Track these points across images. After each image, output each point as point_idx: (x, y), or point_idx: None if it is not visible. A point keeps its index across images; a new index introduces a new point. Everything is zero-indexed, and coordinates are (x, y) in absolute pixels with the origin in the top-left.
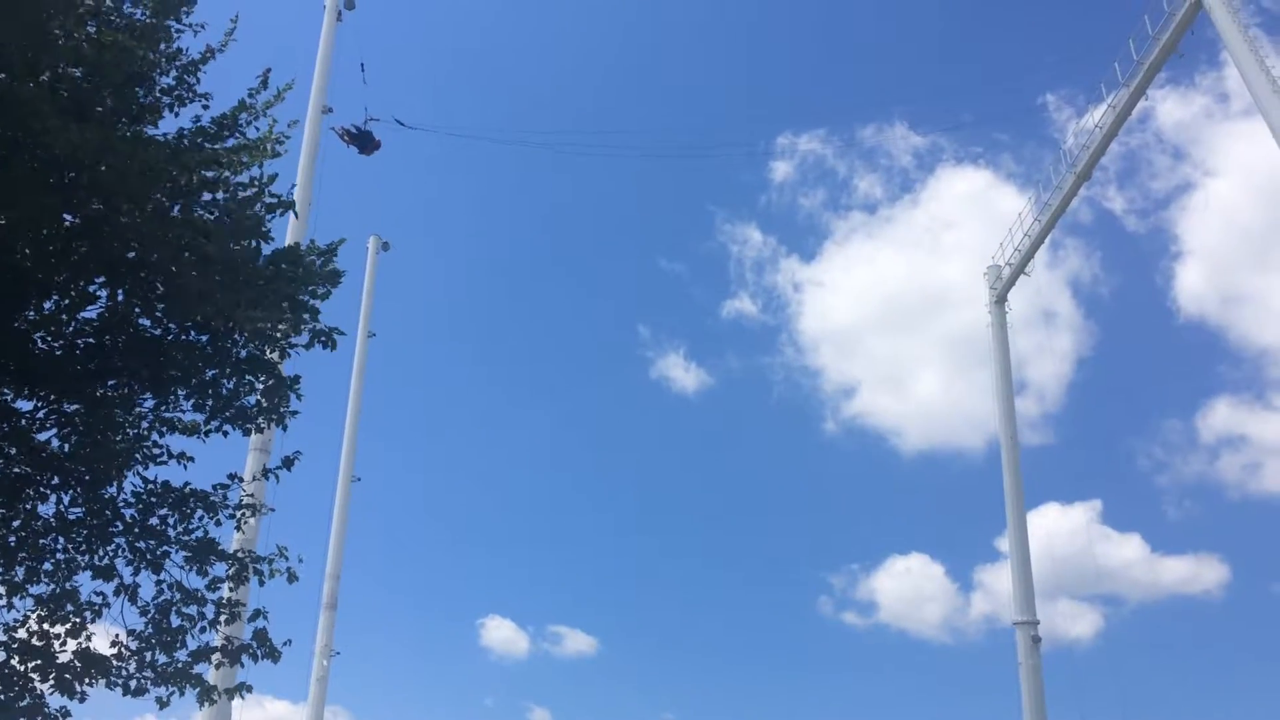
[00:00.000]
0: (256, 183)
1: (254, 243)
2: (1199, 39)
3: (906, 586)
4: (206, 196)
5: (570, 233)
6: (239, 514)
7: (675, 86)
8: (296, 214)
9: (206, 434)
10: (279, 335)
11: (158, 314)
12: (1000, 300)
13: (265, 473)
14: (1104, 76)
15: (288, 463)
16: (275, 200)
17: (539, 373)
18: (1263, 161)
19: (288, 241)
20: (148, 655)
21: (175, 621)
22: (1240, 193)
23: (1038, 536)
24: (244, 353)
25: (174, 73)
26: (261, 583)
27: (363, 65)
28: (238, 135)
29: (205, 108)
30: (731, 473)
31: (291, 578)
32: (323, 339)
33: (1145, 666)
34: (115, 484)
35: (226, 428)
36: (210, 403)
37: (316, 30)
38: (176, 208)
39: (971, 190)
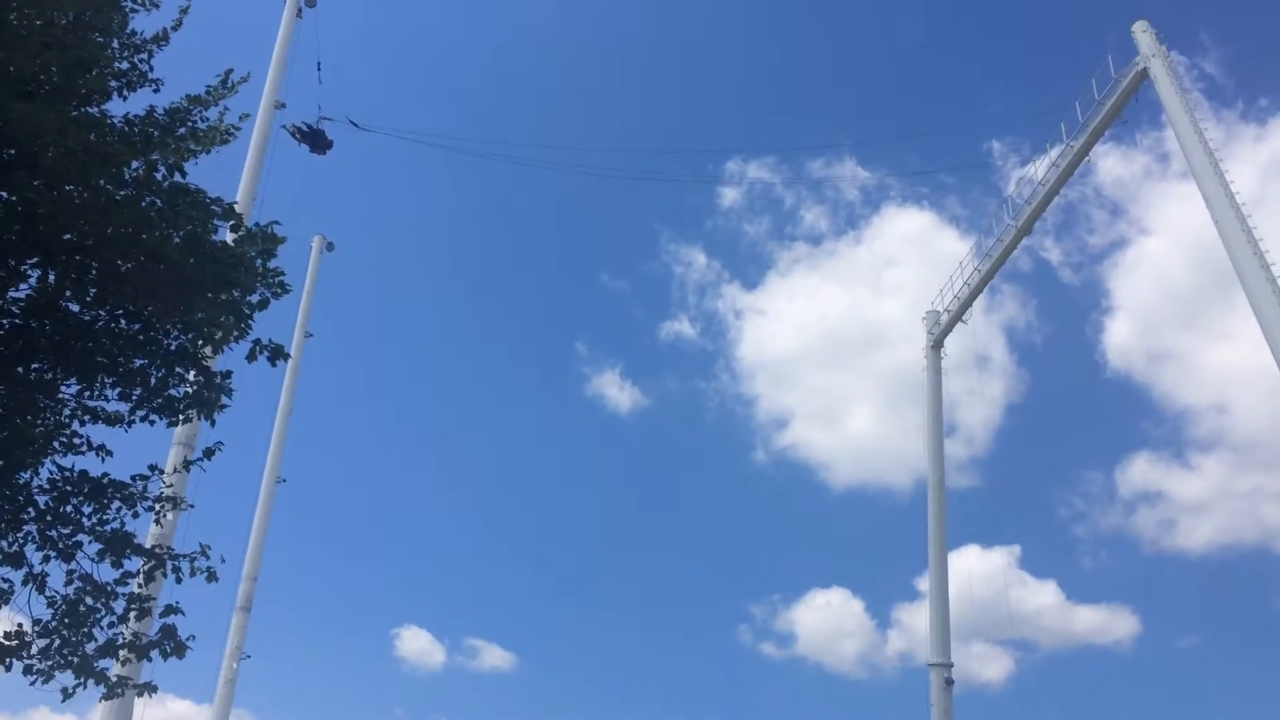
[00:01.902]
0: (218, 203)
1: (200, 247)
2: (1143, 99)
3: (825, 620)
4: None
5: (515, 243)
6: (158, 506)
7: (629, 104)
8: (276, 244)
9: (130, 424)
10: (216, 335)
11: (89, 299)
12: (936, 346)
13: (186, 464)
14: (1050, 134)
15: (209, 453)
16: (257, 232)
17: (473, 382)
18: (1196, 224)
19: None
20: (54, 643)
21: (85, 615)
22: (1172, 253)
23: (957, 578)
24: (175, 344)
25: (126, 54)
26: (179, 580)
27: (319, 64)
28: (188, 126)
29: (156, 91)
30: (660, 495)
31: (211, 577)
32: (267, 352)
33: (1052, 713)
34: (30, 470)
35: (153, 417)
36: (137, 392)
37: (276, 24)
38: (121, 195)
39: (915, 230)
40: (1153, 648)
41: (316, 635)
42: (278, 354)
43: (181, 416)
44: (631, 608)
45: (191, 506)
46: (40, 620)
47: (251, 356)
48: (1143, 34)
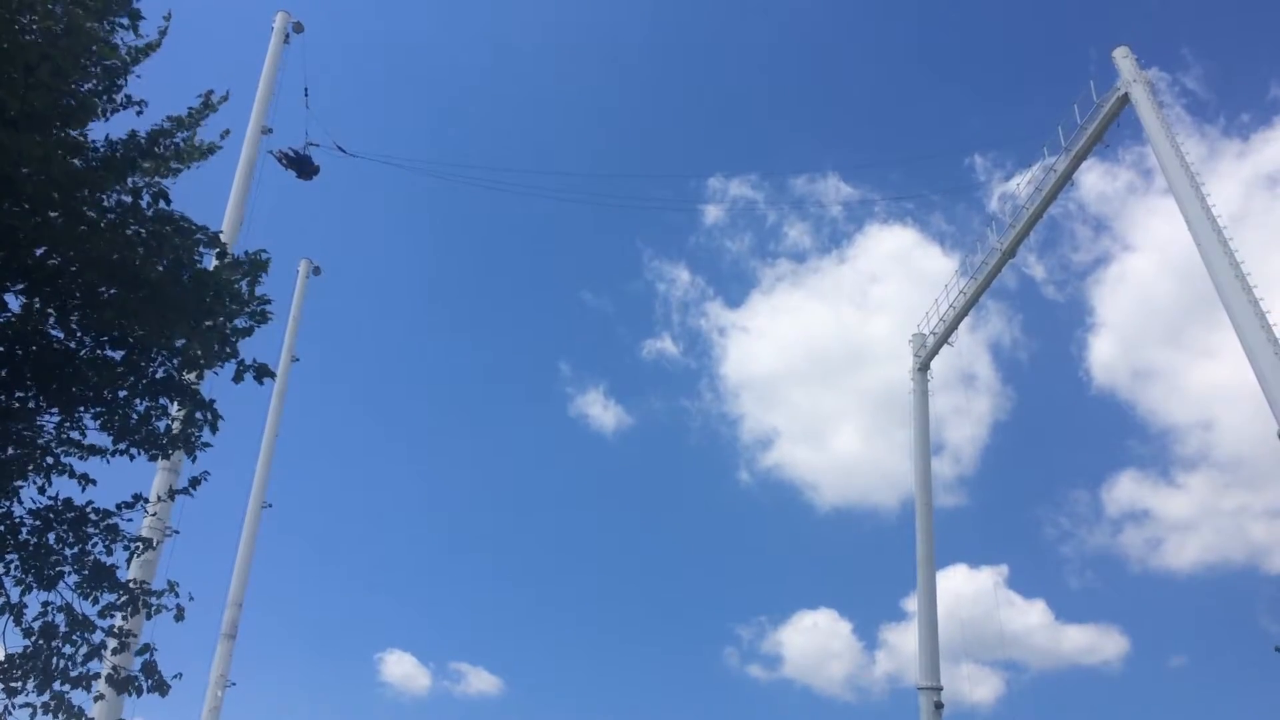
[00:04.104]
0: (203, 231)
1: (185, 274)
2: (1125, 118)
3: (813, 642)
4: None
5: (499, 264)
6: (134, 546)
7: (611, 122)
8: (265, 272)
9: (112, 455)
10: (201, 360)
11: (72, 325)
12: (923, 368)
13: (171, 494)
14: (1032, 151)
15: (194, 483)
16: (244, 259)
17: (458, 404)
18: (1179, 240)
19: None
20: (18, 673)
21: (61, 647)
22: (1156, 269)
23: (945, 598)
24: (160, 372)
25: (110, 76)
26: (149, 616)
27: (306, 90)
28: (170, 146)
29: (139, 113)
30: (646, 516)
31: (179, 616)
32: (252, 372)
33: None
34: (11, 497)
35: (134, 450)
36: (118, 424)
37: (264, 49)
38: (105, 221)
39: (899, 246)
40: (1142, 667)
41: (300, 661)
42: (263, 373)
43: (162, 452)
44: (618, 630)
45: (177, 533)
46: (13, 655)
47: (238, 378)
48: (1123, 59)
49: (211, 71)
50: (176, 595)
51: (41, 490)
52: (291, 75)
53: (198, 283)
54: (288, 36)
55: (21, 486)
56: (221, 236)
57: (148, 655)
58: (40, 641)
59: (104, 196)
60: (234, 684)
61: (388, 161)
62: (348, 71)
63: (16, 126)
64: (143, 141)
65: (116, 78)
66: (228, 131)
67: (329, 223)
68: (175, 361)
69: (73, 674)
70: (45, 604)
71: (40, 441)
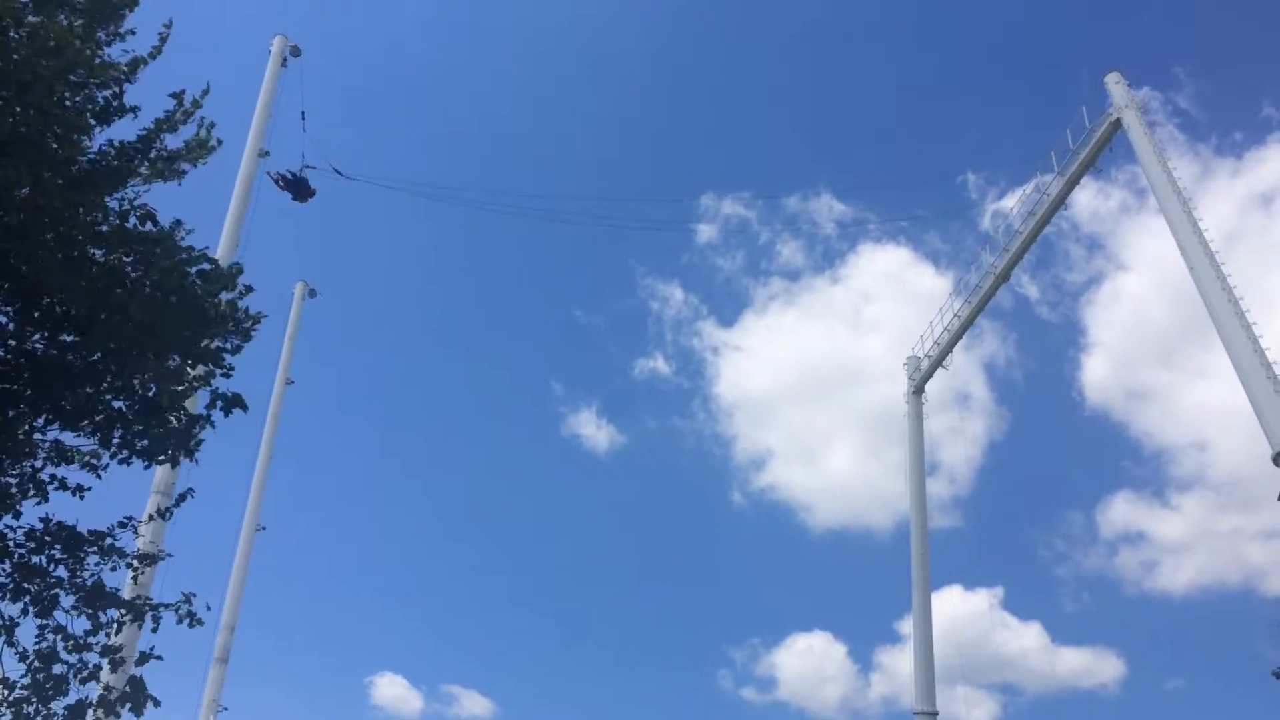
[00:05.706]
0: (189, 250)
1: (173, 297)
2: (1118, 137)
3: (807, 664)
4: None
5: (493, 283)
6: (135, 562)
7: (603, 139)
8: (235, 281)
9: (105, 467)
10: (190, 382)
11: (66, 345)
12: (918, 391)
13: (161, 512)
14: (1025, 171)
15: (180, 499)
16: (224, 271)
17: (452, 425)
18: (1172, 260)
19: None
20: (24, 708)
21: (58, 670)
22: (1150, 289)
23: (940, 620)
24: (152, 390)
25: (103, 86)
26: (155, 629)
27: (303, 113)
28: (159, 150)
29: (135, 118)
30: (639, 536)
31: (195, 622)
32: (222, 401)
33: None
34: (4, 517)
35: (131, 459)
36: (118, 434)
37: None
38: (98, 252)
39: (892, 265)
40: (1138, 690)
41: (291, 684)
42: (233, 404)
43: (161, 457)
44: (611, 653)
45: (170, 556)
46: (9, 679)
47: (210, 406)
48: (1115, 85)
49: (210, 95)
50: (190, 604)
51: (17, 516)
52: (289, 98)
53: (185, 306)
54: (285, 60)
55: (17, 505)
56: (216, 257)
57: (140, 670)
58: (39, 664)
59: (95, 216)
60: (225, 709)
61: (383, 184)
62: (344, 94)
63: (6, 150)
64: (131, 147)
65: (113, 97)
66: (221, 141)
67: (325, 245)
68: (159, 385)
69: (71, 701)
70: (42, 626)
71: (38, 457)
